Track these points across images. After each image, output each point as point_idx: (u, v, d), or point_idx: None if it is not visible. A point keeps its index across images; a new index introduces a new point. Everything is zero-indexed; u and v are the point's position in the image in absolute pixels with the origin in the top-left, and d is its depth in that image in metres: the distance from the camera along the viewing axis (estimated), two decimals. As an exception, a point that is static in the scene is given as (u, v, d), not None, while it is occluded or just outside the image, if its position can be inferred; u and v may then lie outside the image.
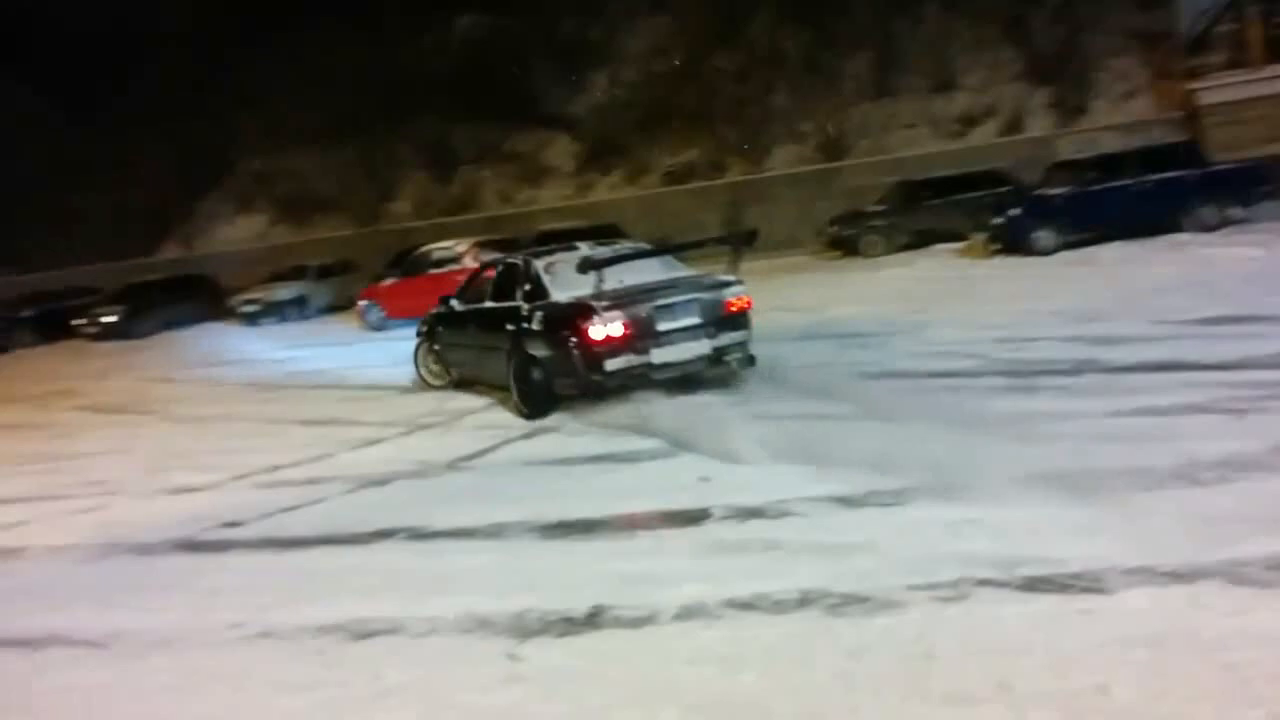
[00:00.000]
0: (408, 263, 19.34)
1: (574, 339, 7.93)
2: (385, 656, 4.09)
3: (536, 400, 8.56)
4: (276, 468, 8.00)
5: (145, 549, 6.20)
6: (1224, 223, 14.51)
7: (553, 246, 10.20)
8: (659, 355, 8.06)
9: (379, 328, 18.63)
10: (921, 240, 18.01)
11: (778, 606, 4.04)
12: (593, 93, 28.80)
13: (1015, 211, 15.64)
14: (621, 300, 8.06)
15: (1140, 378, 7.07)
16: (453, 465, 7.37)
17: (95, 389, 15.05)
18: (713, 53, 26.41)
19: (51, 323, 25.39)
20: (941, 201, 18.19)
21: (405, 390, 11.04)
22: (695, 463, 6.43)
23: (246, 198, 32.16)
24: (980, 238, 16.23)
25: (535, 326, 8.48)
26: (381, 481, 7.13)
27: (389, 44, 28.57)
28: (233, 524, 6.47)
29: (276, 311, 22.36)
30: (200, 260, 28.76)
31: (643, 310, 8.02)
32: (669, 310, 8.15)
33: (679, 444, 6.83)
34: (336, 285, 23.41)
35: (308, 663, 4.13)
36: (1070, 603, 3.73)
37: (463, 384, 10.46)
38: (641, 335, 7.95)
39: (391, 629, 4.37)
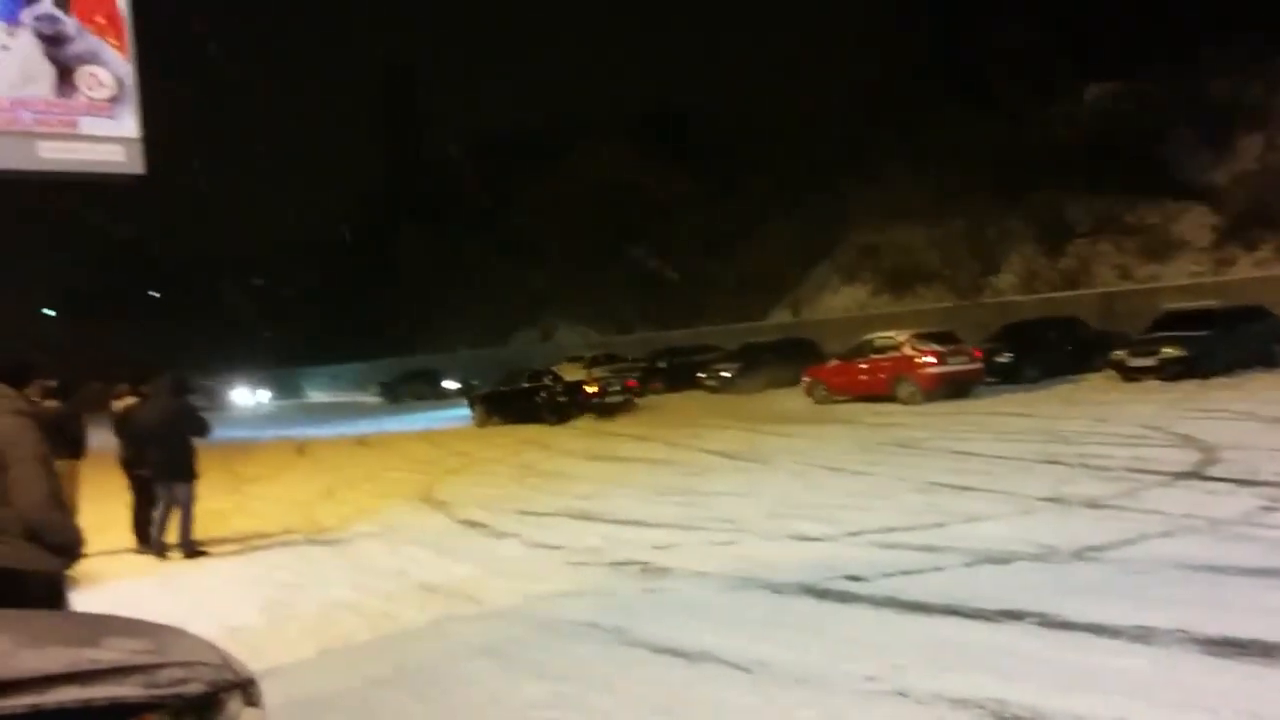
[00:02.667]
0: (851, 348, 22.05)
1: (580, 392, 22.34)
2: (1034, 745, 3.90)
3: (560, 416, 22.12)
4: (891, 529, 8.16)
5: (776, 588, 6.67)
6: None
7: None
8: (609, 397, 22.58)
9: (821, 402, 21.88)
10: None
11: None
12: (1242, 158, 25.62)
13: None
14: (596, 377, 23.27)
15: None
16: (1080, 554, 6.89)
17: (717, 436, 16.78)
18: None
19: (679, 374, 28.98)
20: None
21: (1006, 459, 10.68)
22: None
23: (852, 268, 33.85)
24: None
25: (560, 388, 22.62)
26: (1001, 560, 6.90)
27: (1009, 118, 28.31)
28: (855, 578, 6.69)
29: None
30: (806, 326, 30.82)
31: (603, 381, 23.09)
32: (611, 381, 23.38)
33: None
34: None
35: (956, 734, 4.09)
36: None
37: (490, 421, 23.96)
38: (603, 390, 22.55)
39: (1033, 717, 4.17)
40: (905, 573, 6.75)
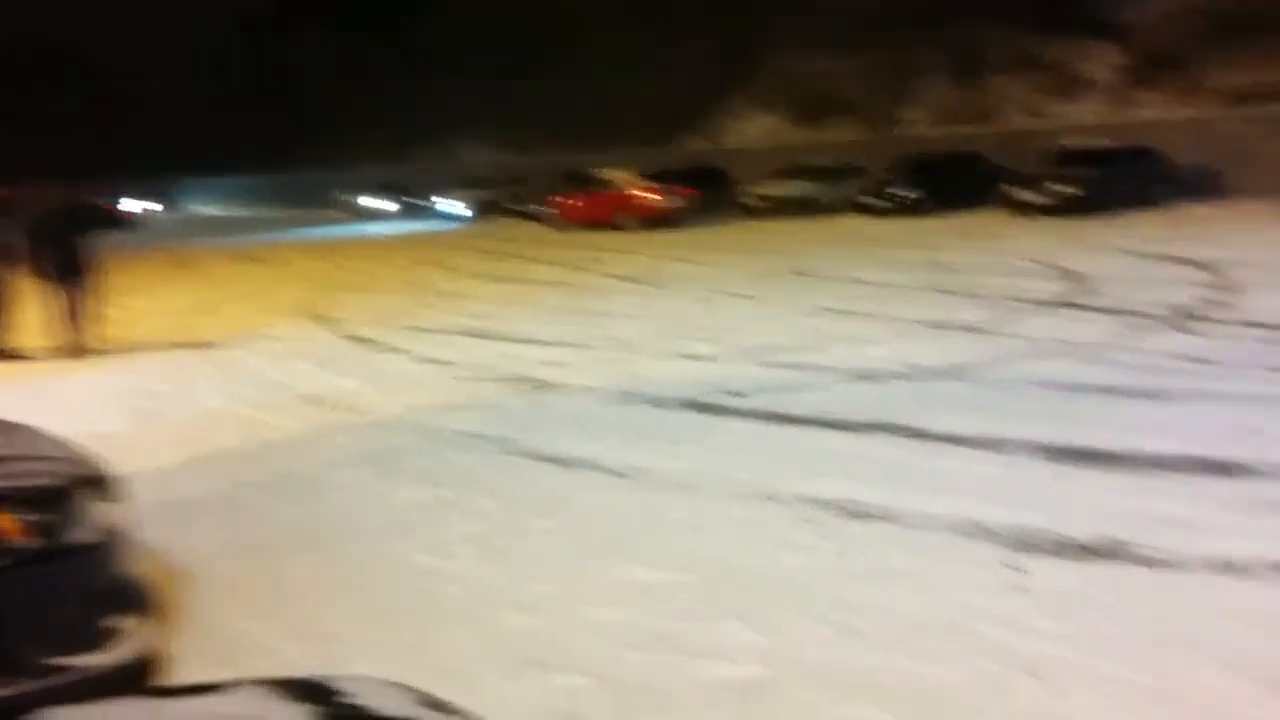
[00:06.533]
0: (583, 183, 25.25)
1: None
2: (881, 540, 4.15)
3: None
4: (777, 350, 8.38)
5: (660, 402, 6.83)
6: None
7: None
8: None
9: (557, 229, 24.64)
10: None
11: (1346, 584, 3.46)
12: (1158, -1, 25.63)
13: None
14: None
15: None
16: (948, 373, 7.20)
17: (621, 261, 16.75)
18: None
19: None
20: None
21: (894, 287, 10.99)
22: (1234, 411, 5.68)
23: (767, 96, 33.32)
24: None
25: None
26: (875, 378, 7.18)
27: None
28: (737, 394, 6.90)
29: (780, 207, 23.34)
30: (717, 154, 30.46)
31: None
32: None
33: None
34: (842, 188, 23.67)
35: (808, 530, 4.31)
36: None
37: None
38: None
39: (886, 516, 4.42)
40: (785, 389, 6.97)
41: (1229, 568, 3.68)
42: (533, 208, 27.09)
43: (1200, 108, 22.91)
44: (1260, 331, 7.88)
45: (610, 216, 23.28)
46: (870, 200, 21.94)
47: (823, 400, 6.64)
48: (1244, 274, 10.68)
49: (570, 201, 25.03)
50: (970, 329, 8.83)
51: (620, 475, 5.26)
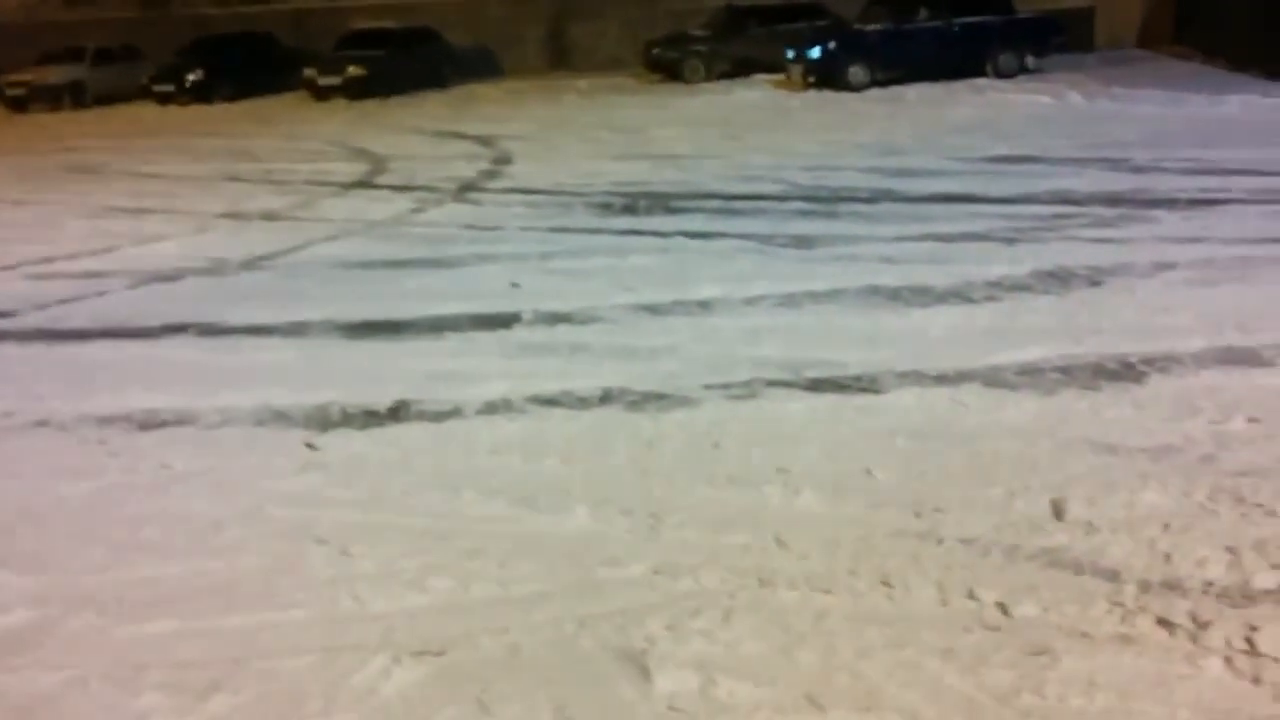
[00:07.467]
0: None
1: None
2: (175, 446, 3.98)
3: None
4: (50, 259, 7.48)
5: (-102, 338, 5.71)
6: (1020, 70, 15.23)
7: None
8: None
9: None
10: (742, 68, 17.96)
11: (581, 403, 4.16)
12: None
13: (832, 46, 15.77)
14: None
15: (930, 207, 7.45)
16: (249, 264, 7.07)
17: None
18: None
19: None
20: (764, 30, 18.07)
21: (190, 179, 10.48)
22: (505, 270, 6.42)
23: (8, -36, 28.34)
24: (796, 69, 16.31)
25: None
26: (170, 277, 6.79)
27: None
28: (3, 314, 6.04)
29: (49, 96, 20.45)
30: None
31: None
32: None
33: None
34: (119, 72, 21.38)
35: (90, 451, 3.97)
36: (847, 400, 4.02)
37: None
38: None
39: (181, 420, 4.25)
40: (62, 302, 6.29)
41: (496, 407, 4.20)
42: None
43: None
44: (524, 196, 8.94)
45: None
46: (159, 87, 20.15)
47: (109, 308, 6.12)
48: (511, 146, 11.95)
49: None
50: (271, 216, 8.73)
51: None
